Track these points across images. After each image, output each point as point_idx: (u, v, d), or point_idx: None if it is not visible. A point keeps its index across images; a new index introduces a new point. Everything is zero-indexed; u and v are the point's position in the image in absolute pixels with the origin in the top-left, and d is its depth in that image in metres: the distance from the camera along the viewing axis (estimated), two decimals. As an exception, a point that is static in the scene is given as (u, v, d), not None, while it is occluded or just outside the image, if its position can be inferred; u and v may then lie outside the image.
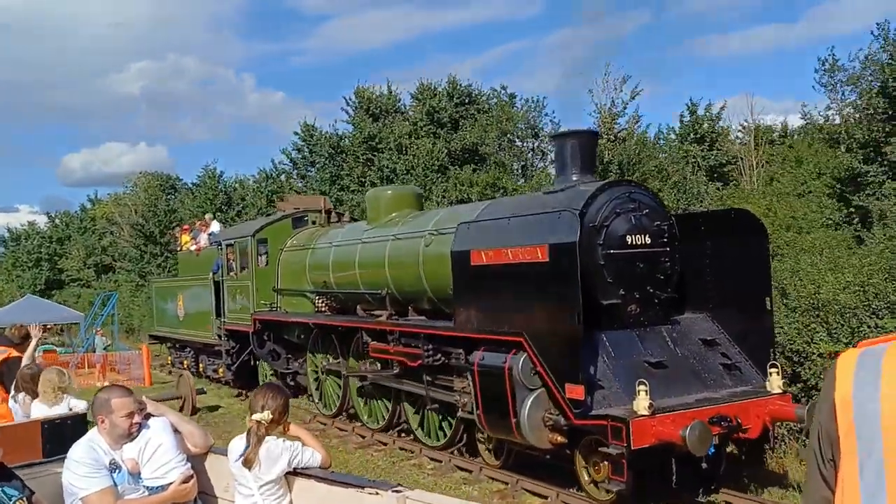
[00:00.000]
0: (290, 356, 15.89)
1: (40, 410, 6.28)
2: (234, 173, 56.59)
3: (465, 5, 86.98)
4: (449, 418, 10.70)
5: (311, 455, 4.26)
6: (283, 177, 41.28)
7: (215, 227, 19.70)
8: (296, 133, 35.37)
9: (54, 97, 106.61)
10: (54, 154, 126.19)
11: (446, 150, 27.88)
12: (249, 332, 15.82)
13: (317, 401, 14.51)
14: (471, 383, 9.38)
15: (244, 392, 17.58)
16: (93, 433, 4.15)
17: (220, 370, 18.34)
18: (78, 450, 4.04)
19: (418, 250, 11.02)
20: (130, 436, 4.10)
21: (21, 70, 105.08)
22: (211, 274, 17.97)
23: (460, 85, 32.56)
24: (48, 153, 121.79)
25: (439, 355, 10.16)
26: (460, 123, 31.85)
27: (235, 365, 17.21)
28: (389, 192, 13.30)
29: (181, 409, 15.41)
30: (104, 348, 21.01)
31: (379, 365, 12.05)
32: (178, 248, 21.86)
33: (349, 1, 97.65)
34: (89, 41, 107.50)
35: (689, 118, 23.52)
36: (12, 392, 7.06)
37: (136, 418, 4.12)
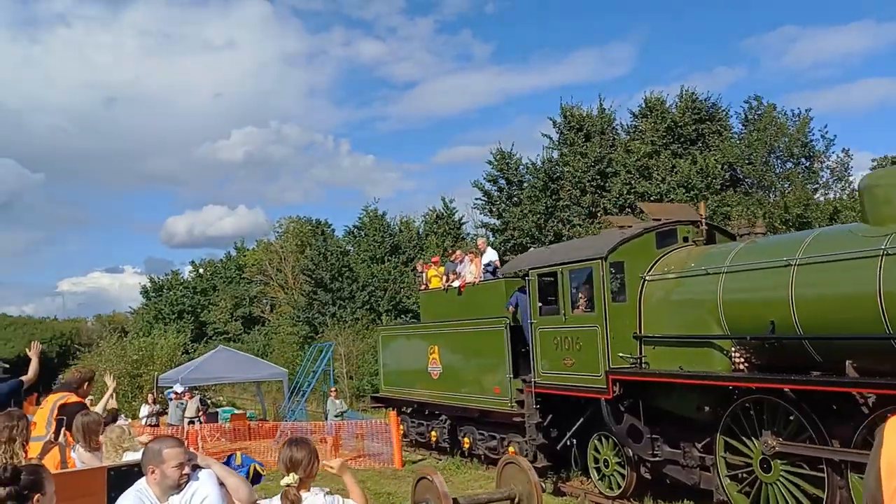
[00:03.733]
0: (656, 437, 10.72)
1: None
2: (396, 214, 53.06)
3: (549, 69, 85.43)
4: None
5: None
6: (458, 215, 37.10)
7: (492, 254, 14.93)
8: (489, 163, 30.94)
9: (157, 164, 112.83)
10: (157, 218, 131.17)
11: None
12: (601, 400, 10.78)
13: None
14: None
15: (557, 485, 12.50)
16: (141, 483, 4.08)
17: (512, 449, 13.33)
18: (127, 500, 4.00)
19: None
20: (179, 487, 4.01)
21: (127, 139, 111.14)
22: (507, 318, 13.16)
23: (698, 98, 27.39)
24: (152, 217, 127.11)
25: None
26: (700, 141, 26.63)
27: (562, 444, 12.13)
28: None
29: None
30: (337, 415, 16.23)
31: None
32: (423, 286, 17.22)
33: (436, 66, 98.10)
34: (192, 111, 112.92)
35: None
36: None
37: (186, 469, 4.03)
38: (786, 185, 24.22)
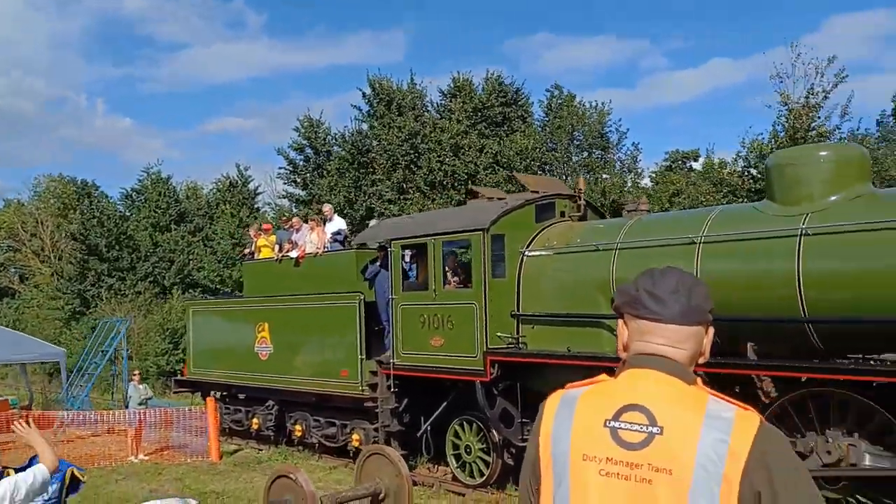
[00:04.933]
0: (526, 421, 10.26)
1: None
2: (183, 179, 48.74)
3: (327, 48, 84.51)
4: None
5: (33, 476, 3.97)
6: (252, 184, 34.88)
7: (340, 223, 13.58)
8: (296, 130, 29.13)
9: None
10: None
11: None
12: (476, 383, 10.05)
13: None
14: None
15: (417, 472, 11.62)
16: None
17: (357, 437, 12.24)
18: None
19: None
20: None
21: None
22: (361, 293, 11.98)
23: (504, 83, 27.62)
24: None
25: None
26: (506, 124, 26.94)
27: (424, 430, 11.23)
28: (827, 153, 8.08)
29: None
30: (140, 402, 13.92)
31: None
32: (250, 254, 15.34)
33: (206, 32, 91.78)
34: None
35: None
36: None
37: None
38: (585, 173, 25.23)
